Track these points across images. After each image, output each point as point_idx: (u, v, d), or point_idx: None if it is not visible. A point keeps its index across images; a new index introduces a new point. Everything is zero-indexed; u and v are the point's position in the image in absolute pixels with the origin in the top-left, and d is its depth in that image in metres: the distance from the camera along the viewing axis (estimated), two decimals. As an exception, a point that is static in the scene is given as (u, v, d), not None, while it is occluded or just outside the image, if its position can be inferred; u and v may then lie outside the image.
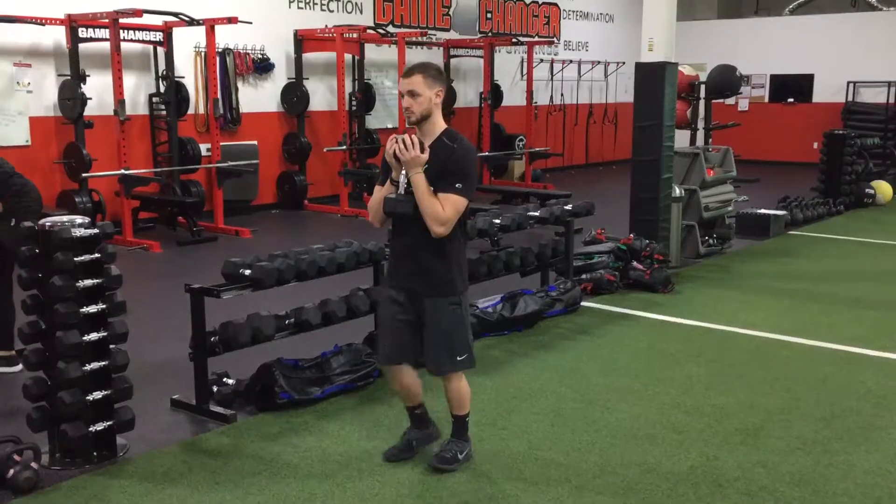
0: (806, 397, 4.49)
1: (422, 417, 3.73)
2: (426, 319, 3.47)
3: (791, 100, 17.30)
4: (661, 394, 4.53)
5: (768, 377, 4.81)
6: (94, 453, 3.64)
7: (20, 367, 4.55)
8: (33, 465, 3.43)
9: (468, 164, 3.39)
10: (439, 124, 3.39)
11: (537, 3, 15.31)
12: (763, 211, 9.47)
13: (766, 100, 17.53)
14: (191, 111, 9.92)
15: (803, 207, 10.23)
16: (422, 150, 3.28)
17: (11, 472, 3.35)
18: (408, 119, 3.37)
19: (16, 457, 3.42)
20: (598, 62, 16.46)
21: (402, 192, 3.35)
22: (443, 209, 3.28)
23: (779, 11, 18.05)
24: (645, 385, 4.67)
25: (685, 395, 4.52)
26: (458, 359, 3.51)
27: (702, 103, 8.70)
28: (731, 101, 15.22)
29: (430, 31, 12.64)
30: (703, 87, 8.61)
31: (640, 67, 7.43)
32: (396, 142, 3.29)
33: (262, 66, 10.76)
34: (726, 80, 8.58)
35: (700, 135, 8.82)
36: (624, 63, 16.36)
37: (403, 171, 3.33)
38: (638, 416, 4.23)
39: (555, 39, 15.38)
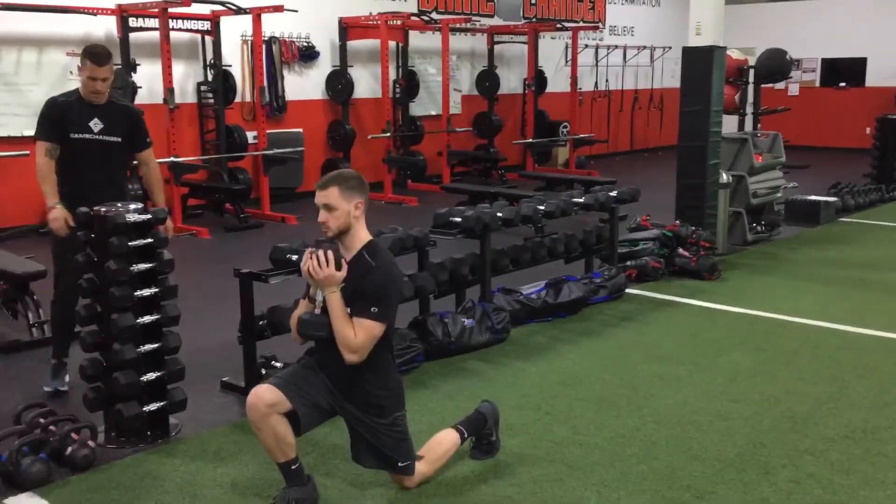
0: (855, 385, 4.43)
1: (298, 473, 3.15)
2: (359, 429, 3.18)
3: (843, 84, 16.92)
4: (706, 381, 4.51)
5: (817, 365, 4.75)
6: (148, 432, 3.74)
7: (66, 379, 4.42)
8: (90, 443, 3.54)
9: (387, 285, 3.06)
10: (360, 238, 3.10)
11: (582, -13, 15.19)
12: (813, 197, 9.30)
13: (818, 84, 17.16)
14: (238, 99, 10.04)
15: (855, 194, 10.01)
16: (338, 267, 2.98)
17: (70, 449, 3.46)
18: (325, 234, 3.08)
19: (73, 435, 3.53)
20: (644, 47, 16.26)
21: (319, 312, 3.07)
22: (355, 336, 2.98)
23: (831, -7, 17.67)
24: (690, 372, 4.64)
25: (731, 382, 4.49)
26: (400, 465, 3.21)
27: (751, 88, 8.57)
28: (780, 85, 14.96)
29: (473, 18, 12.61)
30: (752, 72, 8.48)
31: (687, 52, 7.33)
32: (311, 257, 2.99)
33: (308, 54, 10.86)
34: (776, 65, 8.45)
35: (749, 120, 8.69)
36: (670, 48, 16.14)
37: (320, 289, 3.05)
38: (683, 402, 4.21)
39: (600, 24, 15.23)
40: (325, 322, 3.02)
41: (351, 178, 3.10)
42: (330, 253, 2.98)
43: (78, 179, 4.23)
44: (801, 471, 3.48)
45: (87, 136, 4.22)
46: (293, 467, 3.13)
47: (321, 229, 3.07)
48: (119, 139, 4.31)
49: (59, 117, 4.19)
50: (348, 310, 3.00)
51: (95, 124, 4.23)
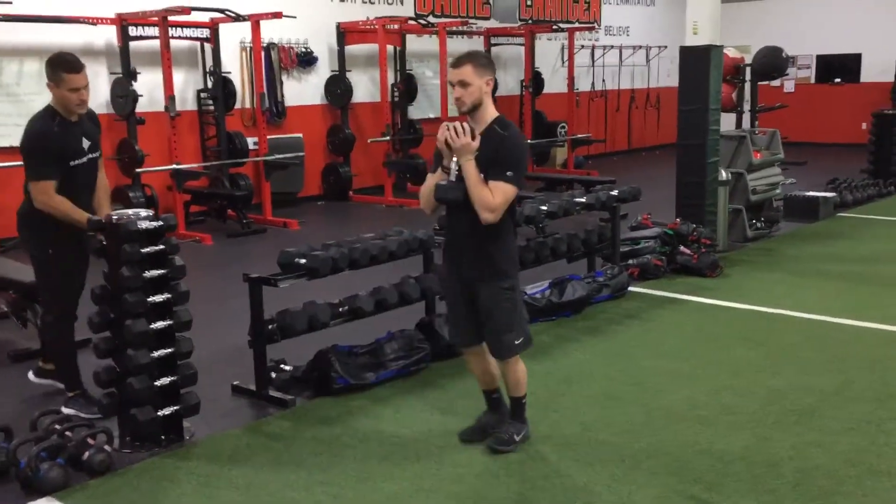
0: (859, 378, 4.48)
1: (497, 402, 3.80)
2: (480, 305, 3.53)
3: (838, 80, 16.99)
4: (711, 376, 4.56)
5: (820, 359, 4.80)
6: (163, 437, 3.78)
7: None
8: (106, 447, 3.59)
9: (519, 152, 3.44)
10: (490, 112, 3.43)
11: (577, -12, 15.25)
12: (811, 193, 9.36)
13: (813, 80, 17.23)
14: (238, 106, 10.07)
15: (852, 189, 10.08)
16: (472, 138, 3.33)
17: (86, 454, 3.50)
18: (459, 109, 3.40)
19: (90, 440, 3.58)
20: (640, 47, 16.33)
21: (454, 179, 3.40)
22: (492, 197, 3.32)
23: (825, -10, 17.72)
24: (695, 368, 4.69)
25: (736, 377, 4.54)
26: (516, 342, 3.57)
27: (747, 86, 8.63)
28: (777, 82, 15.01)
29: (470, 20, 12.66)
30: (748, 70, 8.54)
31: (684, 51, 7.39)
32: (448, 129, 3.34)
33: (306, 60, 10.91)
34: (772, 62, 8.50)
35: (746, 117, 8.75)
36: (666, 47, 16.21)
37: (454, 159, 3.37)
38: (689, 398, 4.26)
39: (595, 25, 15.29)
40: (461, 187, 3.36)
41: (482, 56, 3.44)
42: (466, 124, 3.34)
43: (77, 204, 3.96)
44: (807, 462, 3.53)
45: (83, 160, 3.99)
46: (492, 396, 3.79)
47: (456, 105, 3.41)
48: (100, 151, 4.14)
49: (59, 151, 3.87)
50: (482, 175, 3.32)
51: (84, 143, 3.98)
